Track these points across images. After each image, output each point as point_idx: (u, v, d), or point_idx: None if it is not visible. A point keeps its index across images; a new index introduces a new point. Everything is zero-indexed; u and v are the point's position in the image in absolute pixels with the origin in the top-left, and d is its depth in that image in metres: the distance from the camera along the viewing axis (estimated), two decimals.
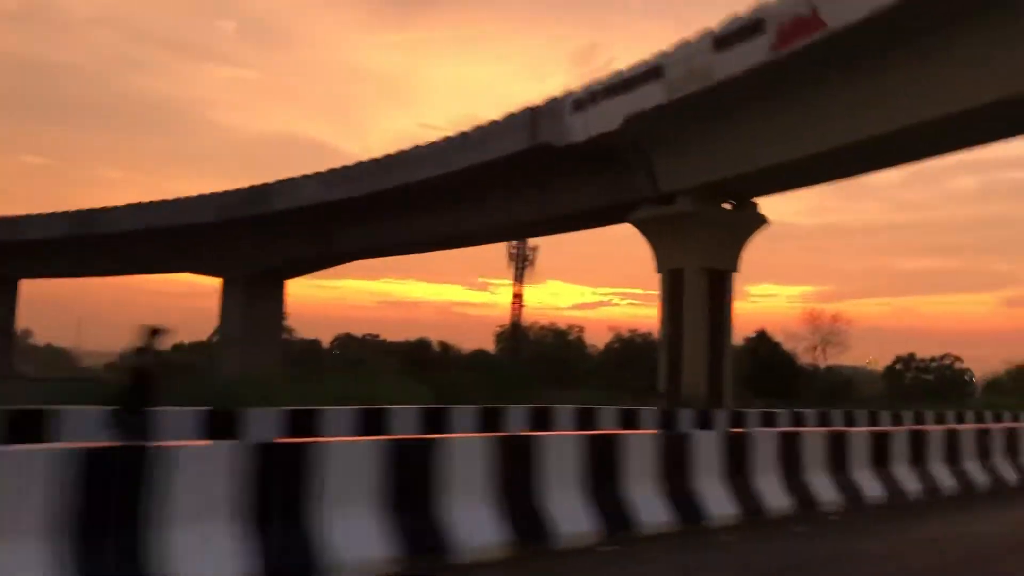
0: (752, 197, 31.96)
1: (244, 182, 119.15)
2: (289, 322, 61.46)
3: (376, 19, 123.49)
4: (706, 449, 8.42)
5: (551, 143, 30.81)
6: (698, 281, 30.89)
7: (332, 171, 40.36)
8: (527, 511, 6.81)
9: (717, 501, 8.22)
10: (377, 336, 72.86)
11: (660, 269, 32.14)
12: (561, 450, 7.28)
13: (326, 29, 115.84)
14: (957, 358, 63.05)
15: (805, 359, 57.01)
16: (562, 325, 62.64)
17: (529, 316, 62.02)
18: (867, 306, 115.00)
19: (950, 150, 28.15)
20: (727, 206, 31.78)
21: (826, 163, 27.40)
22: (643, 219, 31.78)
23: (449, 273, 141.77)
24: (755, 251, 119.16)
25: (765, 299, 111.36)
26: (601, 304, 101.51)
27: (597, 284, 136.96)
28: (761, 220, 32.63)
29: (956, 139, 25.80)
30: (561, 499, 7.05)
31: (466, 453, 6.66)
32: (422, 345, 64.60)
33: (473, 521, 6.40)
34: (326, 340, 73.22)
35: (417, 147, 36.74)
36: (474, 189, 35.26)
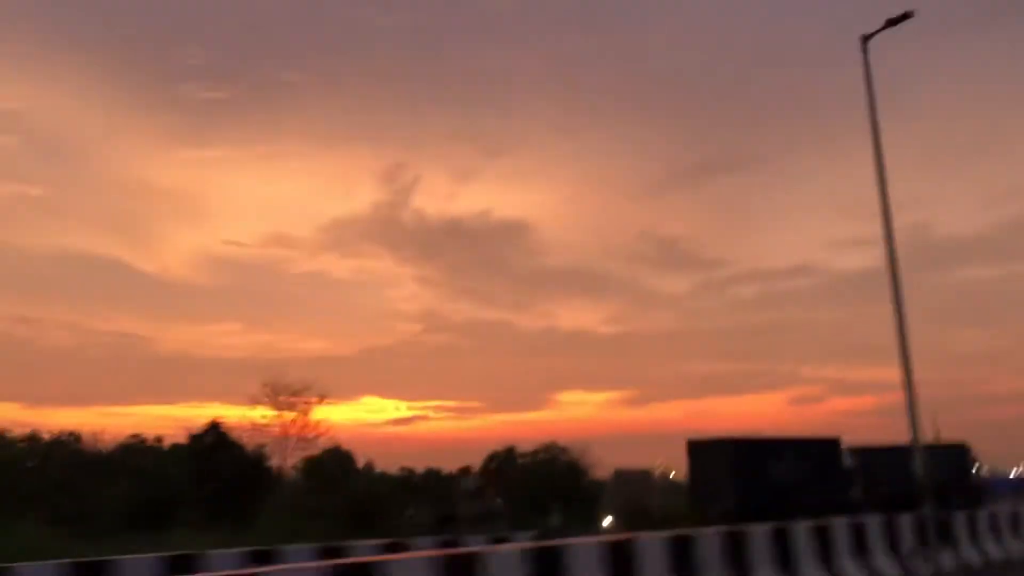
0: None
1: (27, 303, 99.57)
2: None
3: (172, 136, 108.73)
4: None
5: None
6: None
7: None
8: None
9: None
10: None
11: None
12: None
13: (118, 145, 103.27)
14: (562, 449, 52.87)
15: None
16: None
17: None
18: (670, 409, 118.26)
19: None
20: None
21: None
22: None
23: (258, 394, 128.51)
24: (562, 358, 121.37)
25: (574, 406, 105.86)
26: (417, 419, 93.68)
27: (415, 398, 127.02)
28: None
29: None
30: None
31: None
32: None
33: None
34: None
35: None
36: None
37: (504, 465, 54.36)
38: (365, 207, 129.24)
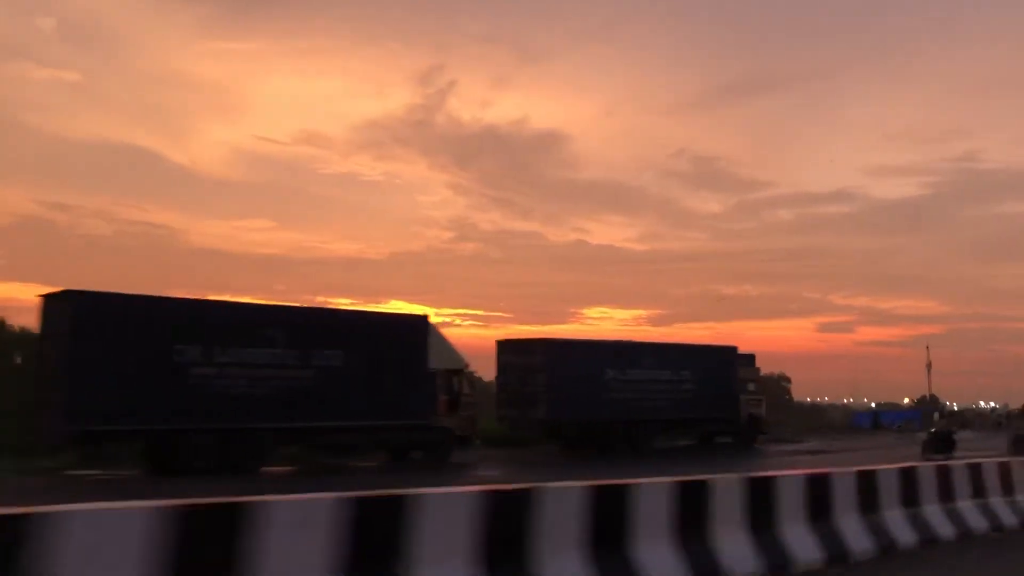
0: None
1: (62, 190, 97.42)
2: None
3: (206, 26, 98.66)
4: None
5: None
6: None
7: None
8: None
9: None
10: None
11: None
12: None
13: (153, 33, 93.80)
14: None
15: None
16: None
17: None
18: (695, 330, 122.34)
19: None
20: None
21: None
22: None
23: (286, 291, 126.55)
24: (590, 274, 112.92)
25: (599, 321, 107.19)
26: (444, 325, 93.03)
27: (442, 304, 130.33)
28: None
29: None
30: None
31: None
32: None
33: None
34: None
35: None
36: None
37: None
38: (399, 109, 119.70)
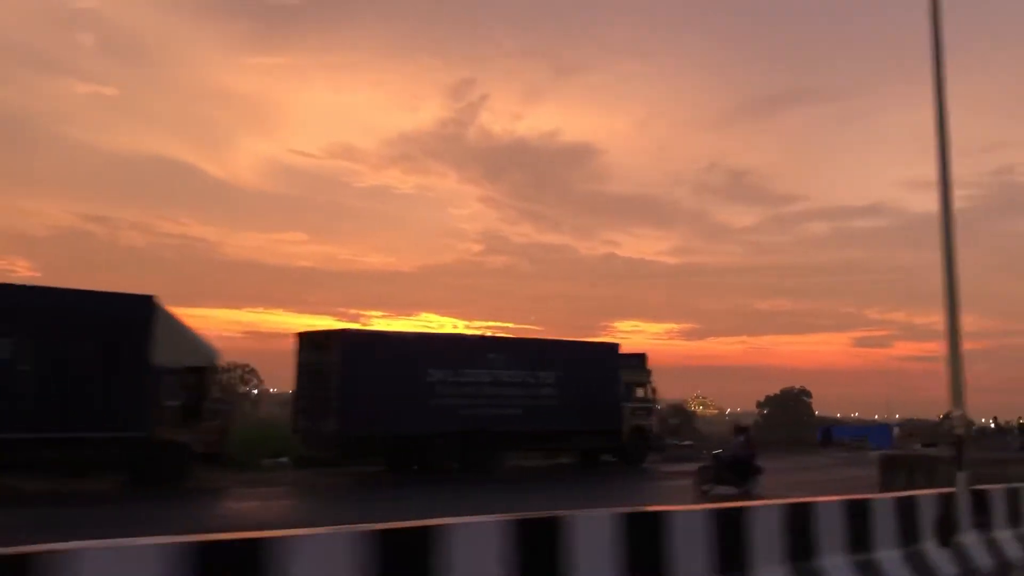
0: None
1: (101, 202, 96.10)
2: None
3: (243, 42, 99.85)
4: None
5: None
6: None
7: None
8: None
9: None
10: None
11: None
12: None
13: (190, 49, 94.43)
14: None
15: None
16: None
17: None
18: (728, 344, 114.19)
19: None
20: None
21: None
22: None
23: (320, 303, 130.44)
24: (621, 287, 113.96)
25: (631, 334, 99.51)
26: None
27: (472, 317, 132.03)
28: None
29: None
30: None
31: None
32: None
33: None
34: None
35: None
36: None
37: None
38: (431, 123, 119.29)
